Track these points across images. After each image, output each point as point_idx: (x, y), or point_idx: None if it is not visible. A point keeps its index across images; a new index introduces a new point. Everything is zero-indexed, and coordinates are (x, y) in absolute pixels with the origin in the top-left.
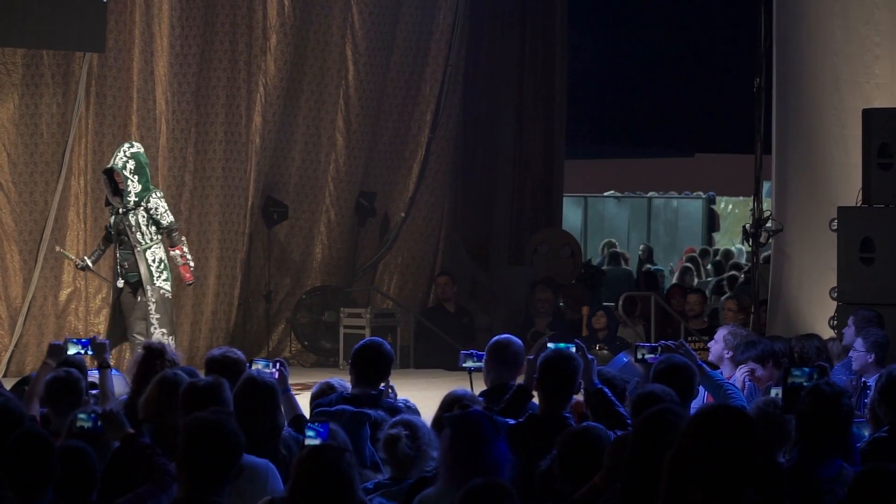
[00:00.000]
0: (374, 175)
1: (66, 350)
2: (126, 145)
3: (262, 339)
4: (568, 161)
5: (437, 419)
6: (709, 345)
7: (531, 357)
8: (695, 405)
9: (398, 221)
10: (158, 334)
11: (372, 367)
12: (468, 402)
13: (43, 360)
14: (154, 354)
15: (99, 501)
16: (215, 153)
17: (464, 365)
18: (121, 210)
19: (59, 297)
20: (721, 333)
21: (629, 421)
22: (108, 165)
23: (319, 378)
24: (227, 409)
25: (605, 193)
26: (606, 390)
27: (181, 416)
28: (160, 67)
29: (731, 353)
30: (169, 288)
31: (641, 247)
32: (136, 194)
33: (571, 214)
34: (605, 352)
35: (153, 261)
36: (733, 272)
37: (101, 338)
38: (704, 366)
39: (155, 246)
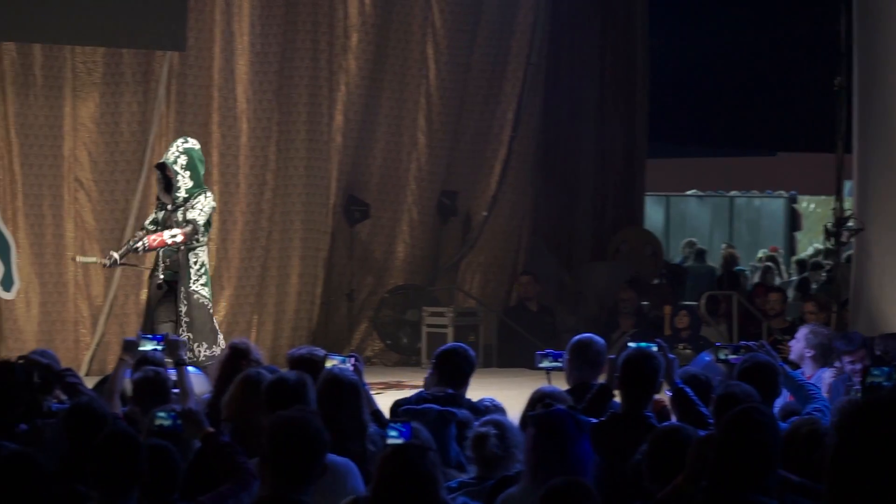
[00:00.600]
0: (455, 174)
1: (140, 345)
2: (180, 140)
3: (345, 338)
4: (650, 160)
5: (525, 417)
6: (790, 343)
7: (612, 357)
8: (778, 404)
9: (480, 220)
10: (186, 339)
11: (457, 370)
12: (553, 401)
13: (119, 356)
14: (239, 354)
15: (181, 500)
16: (297, 152)
17: (540, 365)
18: (169, 206)
19: (140, 295)
20: (802, 332)
21: (711, 421)
22: (161, 160)
23: (401, 377)
24: (311, 407)
25: (688, 192)
26: (688, 390)
27: (265, 413)
28: (241, 66)
29: (812, 353)
30: (206, 294)
31: (724, 246)
32: (187, 190)
33: (653, 214)
34: (688, 351)
35: (195, 262)
36: (810, 272)
37: (174, 335)
38: (785, 366)
39: (200, 248)
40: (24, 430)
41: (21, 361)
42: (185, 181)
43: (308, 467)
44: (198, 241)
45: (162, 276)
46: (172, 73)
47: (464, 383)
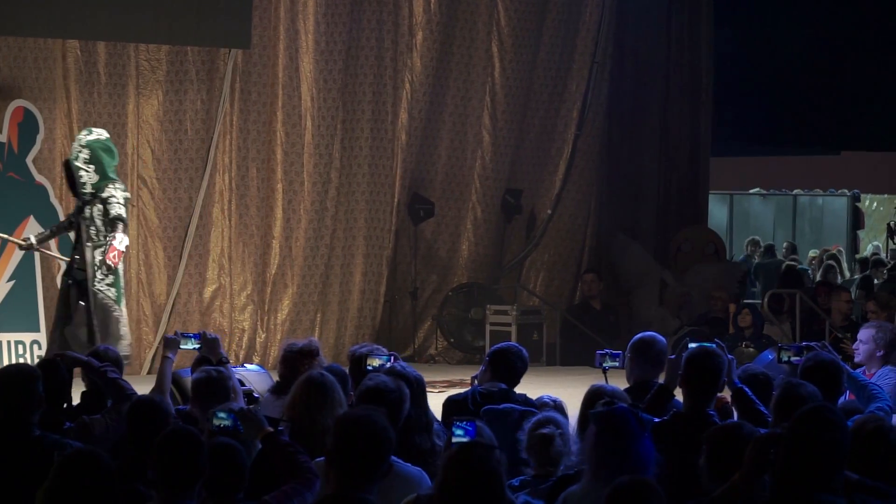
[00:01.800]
0: (520, 172)
1: (181, 343)
2: (83, 133)
3: (408, 337)
4: (713, 158)
5: (583, 415)
6: (854, 346)
7: (672, 357)
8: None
9: (545, 219)
10: (84, 339)
11: (511, 368)
12: (614, 399)
13: (162, 354)
14: (304, 354)
15: (245, 499)
16: (361, 150)
17: (603, 365)
18: (79, 203)
19: (203, 294)
20: (868, 333)
21: (770, 419)
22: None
23: (464, 375)
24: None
25: (751, 191)
26: (747, 389)
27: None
28: (305, 64)
29: (882, 352)
30: (111, 295)
31: (785, 244)
32: (93, 185)
33: (717, 212)
34: (751, 349)
35: (101, 261)
36: (871, 270)
37: (212, 333)
38: (846, 366)
39: (107, 246)
40: (73, 426)
41: (58, 358)
42: (89, 176)
43: (373, 465)
44: (107, 237)
45: (71, 280)
46: (237, 71)
47: (516, 381)
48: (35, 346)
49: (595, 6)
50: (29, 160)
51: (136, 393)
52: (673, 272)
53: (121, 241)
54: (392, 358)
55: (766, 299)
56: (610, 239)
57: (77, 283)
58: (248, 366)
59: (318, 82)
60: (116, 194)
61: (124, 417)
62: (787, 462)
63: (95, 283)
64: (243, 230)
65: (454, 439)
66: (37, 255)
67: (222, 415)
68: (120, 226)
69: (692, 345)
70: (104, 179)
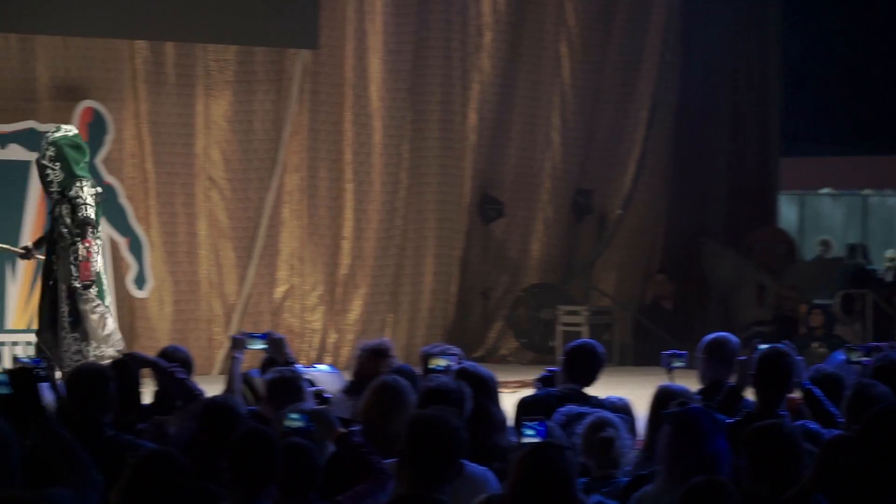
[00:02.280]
0: (590, 172)
1: (248, 343)
2: (52, 129)
3: (480, 337)
4: (783, 158)
5: (654, 416)
6: None
7: (743, 357)
8: None
9: (615, 219)
10: (70, 340)
11: (586, 367)
12: (686, 399)
13: (230, 354)
14: (377, 354)
15: (318, 499)
16: (431, 150)
17: (670, 365)
18: (49, 202)
19: (273, 294)
20: None
21: (841, 420)
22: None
23: (536, 376)
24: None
25: (822, 191)
26: (816, 390)
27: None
28: (374, 64)
29: None
30: (93, 292)
31: (853, 244)
32: (59, 184)
33: (787, 212)
34: (822, 350)
35: (75, 258)
36: None
37: (279, 333)
38: None
39: (81, 243)
40: (147, 427)
41: (126, 358)
42: (55, 174)
43: (445, 466)
44: (77, 234)
45: (51, 279)
46: (306, 72)
47: (592, 380)
48: None
49: (662, 5)
50: (98, 161)
51: (203, 393)
52: (767, 273)
53: (91, 251)
54: (456, 358)
55: (837, 299)
56: (690, 243)
57: (57, 282)
58: (318, 366)
59: (387, 82)
60: (83, 193)
61: (195, 417)
62: (861, 463)
63: (73, 282)
64: (314, 230)
65: (524, 439)
66: (108, 254)
67: (294, 416)
68: (88, 230)
69: (762, 346)
70: (70, 177)
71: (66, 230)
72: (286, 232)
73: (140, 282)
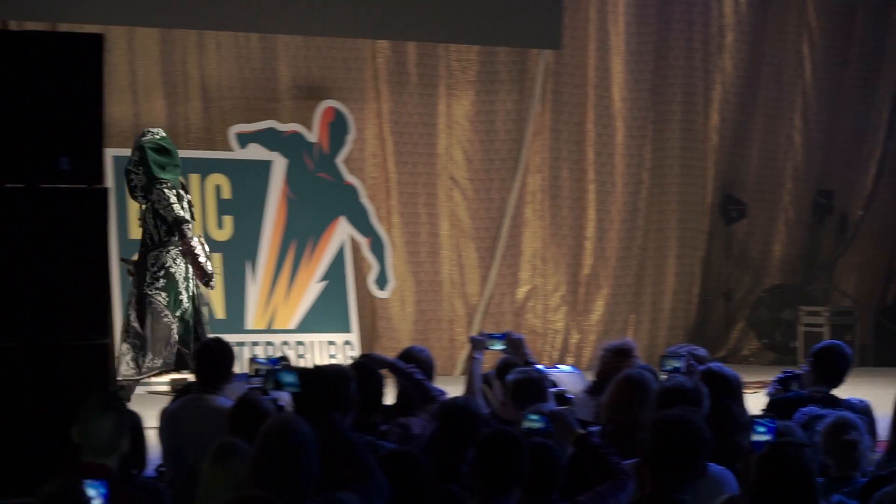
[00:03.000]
0: (831, 173)
1: (487, 344)
2: (140, 134)
3: (721, 338)
4: None
5: None
6: None
7: None
8: None
9: (856, 219)
10: (127, 347)
11: (833, 367)
12: None
13: (470, 354)
14: (620, 354)
15: (560, 499)
16: (672, 150)
17: None
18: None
19: (516, 294)
20: None
21: None
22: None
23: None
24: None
25: None
26: None
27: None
28: (616, 64)
29: None
30: (162, 300)
31: None
32: (142, 188)
33: None
34: None
35: (153, 264)
36: None
37: (517, 333)
38: None
39: (163, 249)
40: (390, 428)
41: (364, 359)
42: (138, 178)
43: (690, 466)
44: (161, 240)
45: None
46: (548, 72)
47: (840, 381)
48: (347, 347)
49: None
50: (339, 160)
51: (442, 394)
52: None
53: (195, 250)
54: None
55: None
56: None
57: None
58: (560, 366)
59: (629, 83)
60: (163, 197)
61: (434, 418)
62: None
63: (145, 288)
64: (556, 231)
65: (754, 437)
66: (348, 255)
67: (534, 417)
68: (185, 229)
69: None
70: (150, 181)
71: (149, 236)
72: (528, 232)
73: (381, 282)
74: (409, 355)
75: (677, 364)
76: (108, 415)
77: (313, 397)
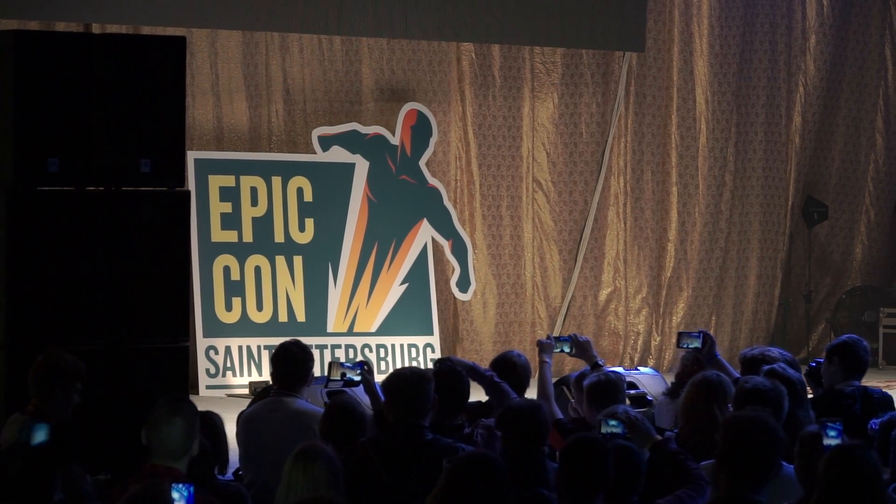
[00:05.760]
0: None
1: (554, 347)
2: None
3: (802, 339)
4: None
5: None
6: None
7: None
8: None
9: None
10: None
11: (861, 360)
12: None
13: (540, 358)
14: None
15: (638, 502)
16: (755, 153)
17: None
18: None
19: (598, 296)
20: None
21: None
22: None
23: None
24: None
25: None
26: None
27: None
28: (699, 67)
29: None
30: None
31: None
32: None
33: None
34: None
35: None
36: None
37: (584, 336)
38: None
39: None
40: (470, 432)
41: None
42: None
43: (765, 467)
44: None
45: None
46: (631, 74)
47: (864, 374)
48: (428, 350)
49: None
50: (422, 163)
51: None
52: None
53: None
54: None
55: None
56: None
57: None
58: (641, 369)
59: (713, 85)
60: None
61: (498, 425)
62: None
63: None
64: (638, 233)
65: (826, 441)
66: (430, 258)
67: (612, 422)
68: None
69: None
70: None
71: None
72: (611, 235)
73: (463, 285)
74: (506, 360)
75: (696, 344)
76: (177, 419)
77: (392, 401)
